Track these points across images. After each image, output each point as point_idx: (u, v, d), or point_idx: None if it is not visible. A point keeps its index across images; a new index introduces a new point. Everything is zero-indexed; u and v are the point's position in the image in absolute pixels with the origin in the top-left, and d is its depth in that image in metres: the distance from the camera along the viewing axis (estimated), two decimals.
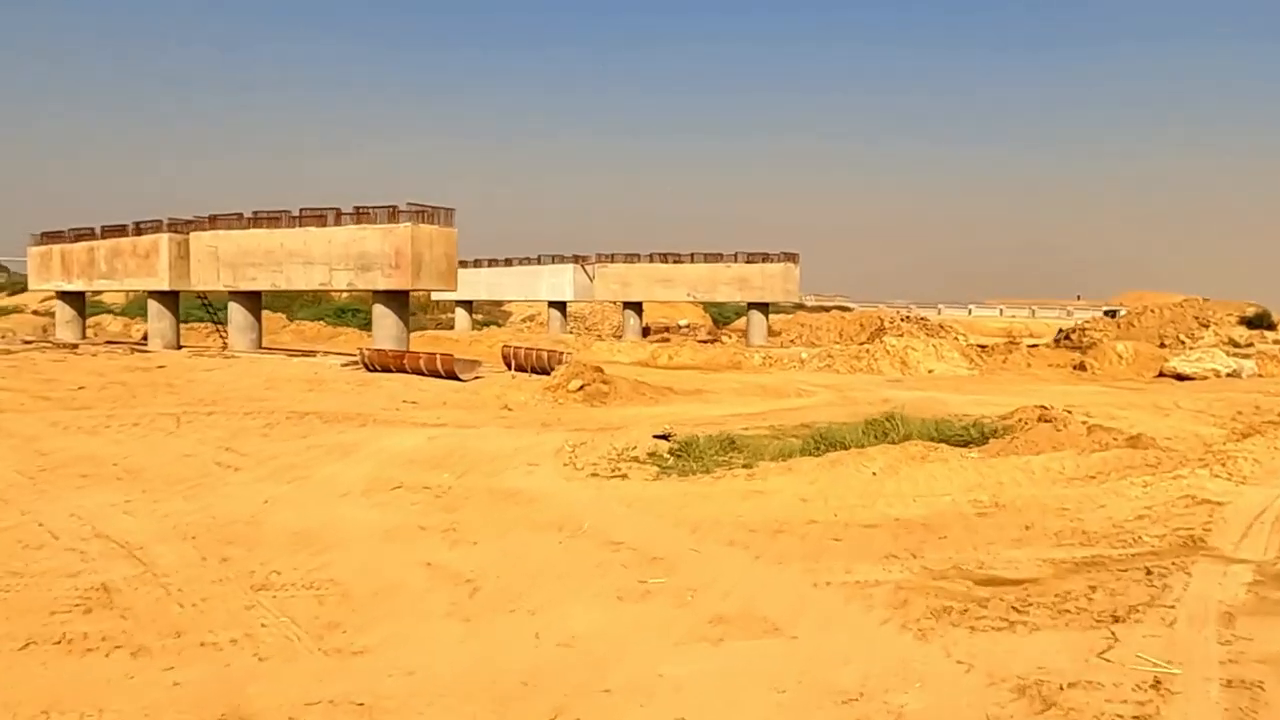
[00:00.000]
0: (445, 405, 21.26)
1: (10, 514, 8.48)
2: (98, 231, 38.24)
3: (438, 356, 26.37)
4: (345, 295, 64.01)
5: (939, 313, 59.11)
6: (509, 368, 29.21)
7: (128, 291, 50.67)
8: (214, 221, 33.96)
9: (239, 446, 13.05)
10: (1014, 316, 57.99)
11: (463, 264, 55.99)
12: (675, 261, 45.90)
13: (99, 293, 41.77)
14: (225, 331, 36.45)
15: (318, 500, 9.41)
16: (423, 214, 29.18)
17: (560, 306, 51.05)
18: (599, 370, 23.64)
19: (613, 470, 11.50)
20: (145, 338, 39.04)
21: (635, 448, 13.14)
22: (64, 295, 40.42)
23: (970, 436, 13.15)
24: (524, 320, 68.52)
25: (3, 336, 42.29)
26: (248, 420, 16.10)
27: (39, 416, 15.75)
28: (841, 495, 9.23)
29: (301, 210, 31.53)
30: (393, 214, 29.26)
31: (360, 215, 29.96)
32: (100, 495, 9.39)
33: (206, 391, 21.89)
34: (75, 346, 37.82)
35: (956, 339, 35.82)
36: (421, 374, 26.17)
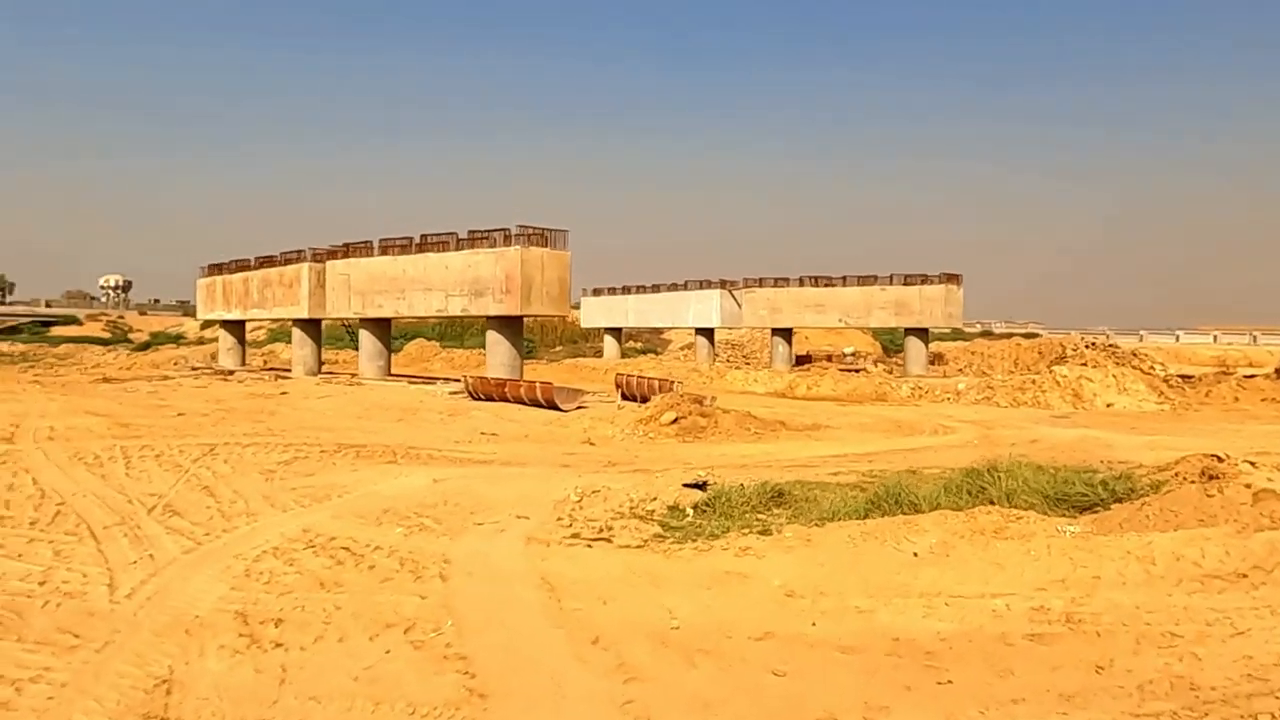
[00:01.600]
0: (526, 438, 19.57)
1: None
2: (253, 262, 39.77)
3: (538, 385, 24.80)
4: None
5: (1140, 339, 52.05)
6: (622, 396, 27.29)
7: (342, 320, 52.40)
8: (348, 250, 34.28)
9: (221, 485, 11.69)
10: (1230, 343, 50.12)
11: (610, 290, 55.23)
12: (827, 285, 42.63)
13: (253, 320, 43.31)
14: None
15: (185, 568, 7.64)
16: (534, 237, 27.86)
17: (708, 334, 48.79)
18: (698, 402, 21.24)
19: (600, 530, 9.17)
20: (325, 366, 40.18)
21: (656, 499, 10.72)
22: (226, 324, 42.36)
23: (1097, 497, 9.80)
24: (683, 348, 66.71)
25: (175, 364, 44.92)
26: (276, 454, 14.90)
27: (78, 445, 15.21)
28: (846, 589, 6.47)
29: (423, 236, 31.13)
30: (505, 238, 28.15)
31: (474, 240, 29.08)
32: None
33: (290, 420, 21.25)
34: (231, 373, 39.31)
35: (1151, 369, 30.58)
36: (523, 403, 24.72)
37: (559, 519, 9.90)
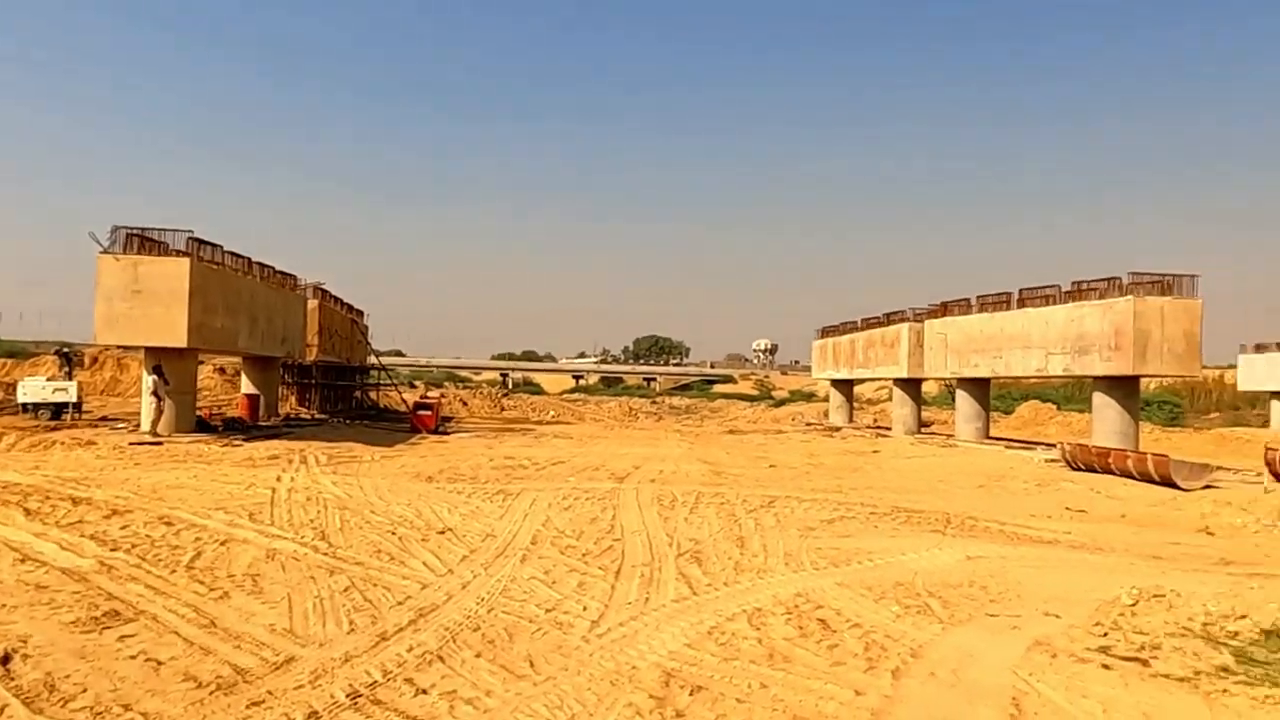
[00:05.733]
0: (1120, 519, 16.73)
1: None
2: (859, 323, 41.41)
3: (1150, 458, 21.01)
4: (1153, 386, 57.27)
5: None
6: (1273, 476, 21.67)
7: (939, 380, 52.59)
8: (945, 309, 33.65)
9: (754, 538, 12.01)
10: None
11: (1279, 345, 44.96)
12: None
13: (858, 379, 44.83)
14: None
15: (666, 616, 7.84)
16: (1151, 285, 24.03)
17: None
18: None
19: (1140, 649, 7.16)
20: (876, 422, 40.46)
21: (1246, 617, 8.05)
22: (835, 382, 44.67)
23: None
24: None
25: (792, 420, 48.66)
26: (826, 511, 14.93)
27: (669, 488, 17.13)
28: None
29: (1021, 291, 29.06)
30: (1115, 287, 24.80)
31: (1079, 292, 26.17)
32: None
33: (869, 479, 21.30)
34: (837, 429, 41.25)
35: None
36: (1132, 477, 21.17)
37: (1096, 625, 8.01)
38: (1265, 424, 46.15)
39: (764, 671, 6.28)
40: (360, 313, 45.04)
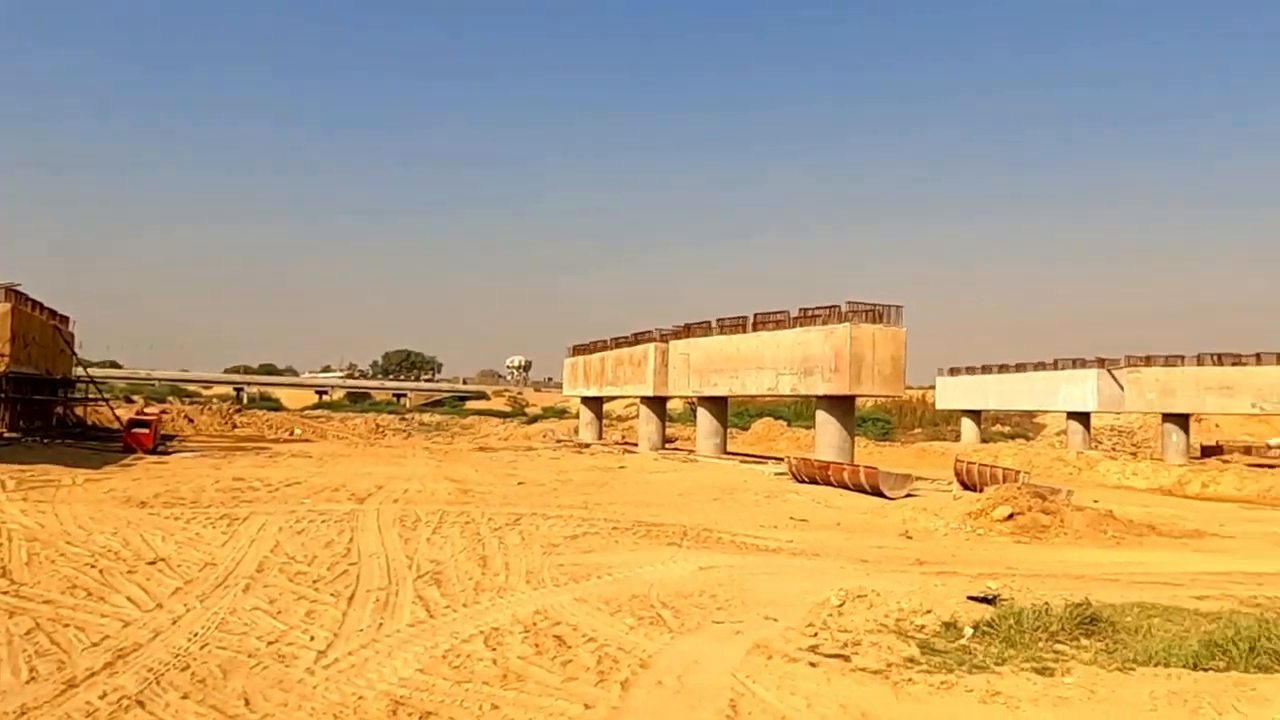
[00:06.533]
0: (836, 527, 18.27)
1: None
2: (609, 342, 42.53)
3: (862, 470, 23.24)
4: (869, 404, 63.15)
5: None
6: (961, 485, 24.69)
7: (683, 398, 54.79)
8: (689, 330, 35.31)
9: (497, 557, 11.99)
10: None
11: (969, 370, 51.37)
12: (1235, 363, 35.85)
13: (608, 397, 46.02)
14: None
15: (399, 641, 7.67)
16: (865, 313, 26.59)
17: (1082, 418, 43.22)
18: (1041, 498, 18.47)
19: (844, 645, 7.86)
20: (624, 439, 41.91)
21: (931, 612, 9.07)
22: (586, 400, 45.55)
23: None
24: (1059, 434, 60.07)
25: (544, 436, 49.05)
26: (571, 528, 15.17)
27: (413, 508, 16.69)
28: None
29: (756, 315, 31.14)
30: (836, 314, 27.19)
31: (805, 318, 28.44)
32: None
33: (614, 495, 21.83)
34: (587, 446, 42.00)
35: None
36: (847, 488, 23.26)
37: (809, 626, 8.70)
38: (958, 438, 52.37)
39: (496, 692, 6.28)
40: (65, 319, 40.27)
